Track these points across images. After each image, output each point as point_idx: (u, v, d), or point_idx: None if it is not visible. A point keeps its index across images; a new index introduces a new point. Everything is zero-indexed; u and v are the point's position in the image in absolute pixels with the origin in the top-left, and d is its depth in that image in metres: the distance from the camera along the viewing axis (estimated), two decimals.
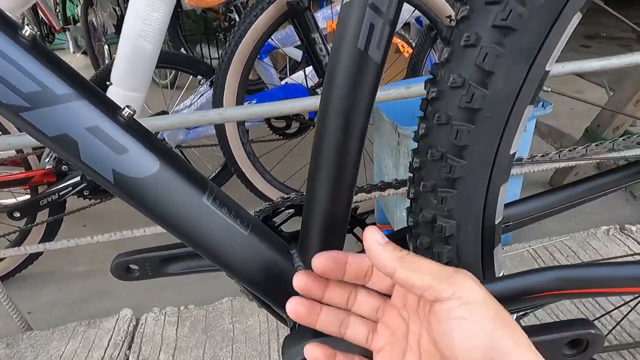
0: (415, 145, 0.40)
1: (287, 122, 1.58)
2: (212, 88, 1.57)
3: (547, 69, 0.35)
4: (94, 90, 0.33)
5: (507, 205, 0.50)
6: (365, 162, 1.61)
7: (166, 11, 1.09)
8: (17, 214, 1.20)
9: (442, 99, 0.36)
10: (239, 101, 1.30)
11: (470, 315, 0.28)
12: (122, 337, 1.01)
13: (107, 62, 3.31)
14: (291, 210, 0.48)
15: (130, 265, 0.53)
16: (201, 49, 2.83)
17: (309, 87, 1.42)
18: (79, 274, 1.48)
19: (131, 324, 1.05)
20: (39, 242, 1.36)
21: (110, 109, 0.33)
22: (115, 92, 1.16)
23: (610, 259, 1.10)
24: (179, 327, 1.04)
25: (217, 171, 1.76)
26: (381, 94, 1.00)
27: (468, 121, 0.35)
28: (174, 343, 0.99)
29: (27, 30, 0.30)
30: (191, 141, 1.72)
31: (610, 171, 0.54)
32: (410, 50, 1.32)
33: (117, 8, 3.24)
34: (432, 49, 1.75)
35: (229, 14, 1.52)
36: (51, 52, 0.32)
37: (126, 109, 0.34)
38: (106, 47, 3.36)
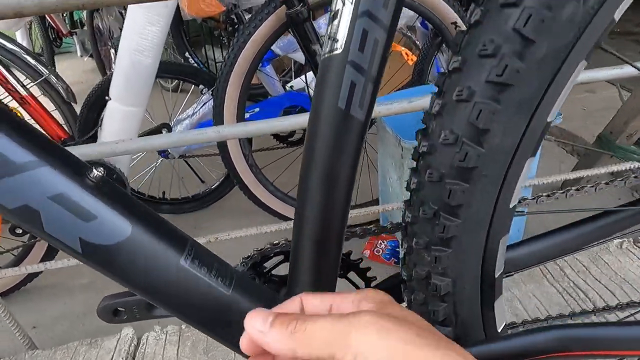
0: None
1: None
2: (213, 97, 1.55)
3: (548, 120, 0.32)
4: (60, 153, 0.31)
5: (509, 248, 0.47)
6: (369, 170, 1.58)
7: (164, 25, 1.07)
8: (19, 230, 1.20)
9: (433, 154, 0.33)
10: (240, 112, 1.28)
11: None
12: (122, 358, 1.00)
13: (112, 66, 3.31)
14: (280, 257, 0.45)
15: (118, 308, 0.51)
16: (205, 52, 2.82)
17: (311, 97, 1.39)
18: (82, 287, 1.48)
19: (132, 344, 1.05)
20: (42, 259, 1.36)
21: (77, 172, 0.31)
22: (114, 108, 1.15)
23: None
24: (180, 347, 1.03)
25: (220, 180, 1.75)
26: (383, 108, 0.97)
27: (462, 180, 0.32)
28: None
29: None
30: (195, 150, 1.71)
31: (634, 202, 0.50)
32: (415, 58, 1.29)
33: (123, 12, 3.24)
34: (438, 53, 1.71)
35: (230, 22, 1.50)
36: (13, 116, 0.30)
37: (94, 170, 0.32)
38: (112, 51, 3.36)
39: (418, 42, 2.01)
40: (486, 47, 0.28)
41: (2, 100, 1.15)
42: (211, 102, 1.55)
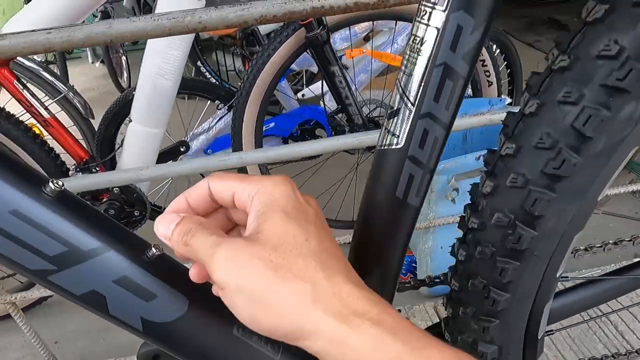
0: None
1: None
2: (230, 112, 1.56)
3: (599, 199, 0.33)
4: (123, 235, 0.32)
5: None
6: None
7: (185, 49, 1.08)
8: None
9: (484, 231, 0.33)
10: (259, 130, 1.29)
11: (232, 307, 0.28)
12: None
13: (124, 73, 3.34)
14: None
15: (157, 354, 0.52)
16: (217, 59, 2.82)
17: (328, 113, 1.40)
18: None
19: None
20: None
21: (139, 253, 0.32)
22: (135, 130, 1.17)
23: None
24: None
25: None
26: None
27: (514, 259, 0.32)
28: None
29: (51, 186, 0.29)
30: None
31: None
32: None
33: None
34: None
35: (246, 39, 1.51)
36: (79, 202, 0.31)
37: (153, 249, 0.32)
38: (124, 57, 3.38)
39: None
40: (543, 140, 0.28)
41: (27, 124, 1.17)
42: (227, 117, 1.57)
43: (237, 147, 1.26)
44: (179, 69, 1.11)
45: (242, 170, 1.34)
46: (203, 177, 0.33)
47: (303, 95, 1.73)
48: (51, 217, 0.29)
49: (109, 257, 0.30)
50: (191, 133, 1.61)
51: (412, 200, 0.29)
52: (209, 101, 1.62)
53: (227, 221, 0.33)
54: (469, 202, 0.35)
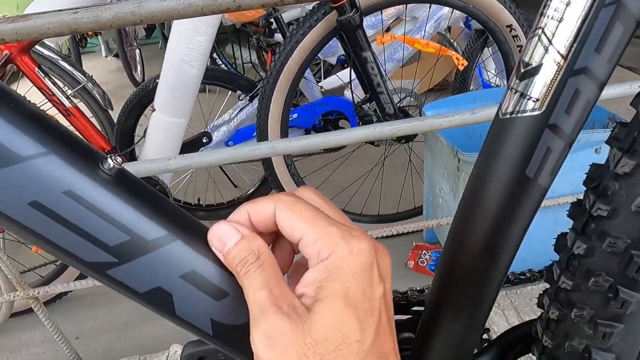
0: None
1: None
2: (251, 103, 1.52)
3: None
4: (187, 223, 0.27)
5: None
6: (413, 179, 1.53)
7: (211, 34, 1.03)
8: None
9: (613, 220, 0.28)
10: (285, 120, 1.24)
11: None
12: None
13: (138, 67, 3.31)
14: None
15: (202, 356, 0.47)
16: (233, 51, 2.78)
17: (356, 103, 1.34)
18: (122, 297, 1.45)
19: None
20: None
21: (205, 243, 0.27)
22: (159, 119, 1.12)
23: None
24: None
25: (256, 186, 1.72)
26: (445, 120, 0.92)
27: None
28: None
29: (109, 164, 0.24)
30: None
31: None
32: (465, 63, 1.23)
33: None
34: (481, 56, 1.64)
35: (269, 27, 1.46)
36: (139, 183, 0.26)
37: None
38: (137, 51, 3.36)
39: (453, 41, 1.94)
40: None
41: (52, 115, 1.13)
42: (248, 108, 1.52)
43: (263, 137, 1.21)
44: (204, 55, 1.06)
45: (266, 160, 1.30)
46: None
47: (321, 87, 1.68)
48: (110, 199, 0.24)
49: (175, 248, 0.26)
50: (212, 125, 1.57)
51: (543, 181, 0.24)
52: (230, 92, 1.57)
53: (290, 248, 0.29)
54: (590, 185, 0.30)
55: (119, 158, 0.25)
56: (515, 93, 0.23)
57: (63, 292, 1.41)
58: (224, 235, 0.26)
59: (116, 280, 0.25)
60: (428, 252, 1.43)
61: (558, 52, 0.21)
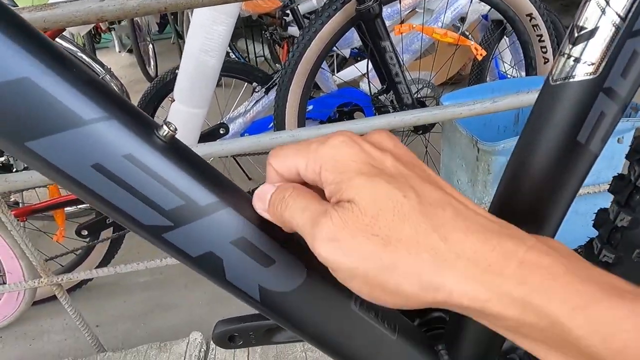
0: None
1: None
2: (266, 95, 1.52)
3: None
4: (235, 191, 0.28)
5: None
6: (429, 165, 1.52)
7: (230, 24, 1.04)
8: (85, 232, 1.21)
9: None
10: (302, 111, 1.25)
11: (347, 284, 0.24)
12: None
13: (152, 62, 3.33)
14: None
15: (234, 334, 0.48)
16: (246, 45, 2.79)
17: (372, 94, 1.34)
18: (140, 285, 1.49)
19: (202, 349, 1.04)
20: (103, 258, 1.37)
21: (253, 211, 0.28)
22: (178, 110, 1.13)
23: None
24: (250, 354, 1.01)
25: None
26: (465, 109, 0.92)
27: None
28: None
29: (165, 130, 0.25)
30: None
31: None
32: (484, 53, 1.22)
33: None
34: (498, 47, 1.63)
35: (284, 18, 1.46)
36: (190, 151, 0.27)
37: None
38: (151, 46, 3.38)
39: (469, 34, 1.92)
40: None
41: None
42: (264, 100, 1.53)
43: (280, 128, 1.22)
44: (223, 45, 1.07)
45: None
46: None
47: (335, 80, 1.68)
48: (166, 164, 0.24)
49: (225, 214, 0.26)
50: (227, 117, 1.58)
51: (595, 147, 0.24)
52: (246, 84, 1.58)
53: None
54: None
55: (173, 125, 0.25)
56: (568, 58, 0.23)
57: (83, 281, 1.43)
58: (262, 194, 0.27)
59: (171, 244, 0.25)
60: None
61: (616, 13, 0.21)
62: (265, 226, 0.28)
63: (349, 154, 0.24)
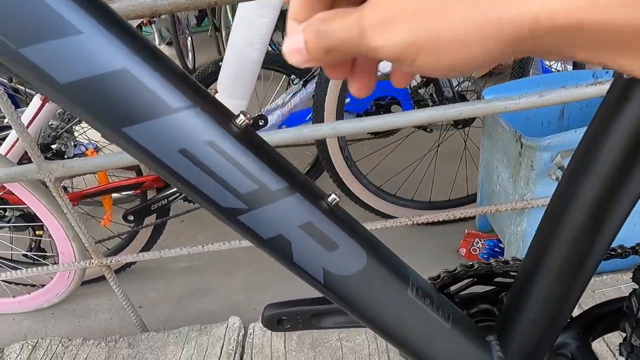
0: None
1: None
2: (304, 88, 1.54)
3: None
4: (302, 178, 0.29)
5: None
6: (467, 166, 1.50)
7: (272, 17, 1.06)
8: (131, 217, 1.26)
9: None
10: (340, 105, 1.26)
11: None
12: (233, 347, 1.03)
13: (190, 54, 3.41)
14: (472, 280, 0.42)
15: (282, 317, 0.50)
16: (282, 37, 2.81)
17: (411, 87, 1.33)
18: (180, 270, 1.55)
19: (240, 333, 1.07)
20: (146, 243, 1.43)
21: (318, 198, 0.29)
22: (221, 100, 1.17)
23: None
24: (286, 340, 1.04)
25: (305, 170, 1.75)
26: (510, 103, 0.90)
27: None
28: (284, 357, 0.99)
29: (241, 119, 0.26)
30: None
31: None
32: None
33: None
34: None
35: None
36: (261, 139, 0.28)
37: (332, 194, 0.30)
38: (189, 39, 3.46)
39: None
40: None
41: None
42: (302, 92, 1.54)
43: (319, 120, 1.23)
44: (265, 38, 1.09)
45: (321, 143, 1.32)
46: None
47: (383, 80, 1.67)
48: (242, 151, 0.26)
49: (295, 199, 0.28)
50: (265, 109, 1.60)
51: None
52: (284, 76, 1.60)
53: None
54: None
55: (248, 114, 0.27)
56: None
57: (127, 264, 1.50)
58: (294, 44, 0.23)
59: (245, 226, 0.27)
60: (481, 240, 1.41)
61: None
62: (330, 212, 0.29)
63: None
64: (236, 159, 0.26)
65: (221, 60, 1.18)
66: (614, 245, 0.51)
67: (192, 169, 0.25)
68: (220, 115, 0.26)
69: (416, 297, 0.32)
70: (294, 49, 0.23)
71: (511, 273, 0.40)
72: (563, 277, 0.32)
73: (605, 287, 1.09)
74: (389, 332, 0.32)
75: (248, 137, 0.27)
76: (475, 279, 0.42)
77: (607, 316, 0.40)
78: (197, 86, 0.26)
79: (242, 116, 0.26)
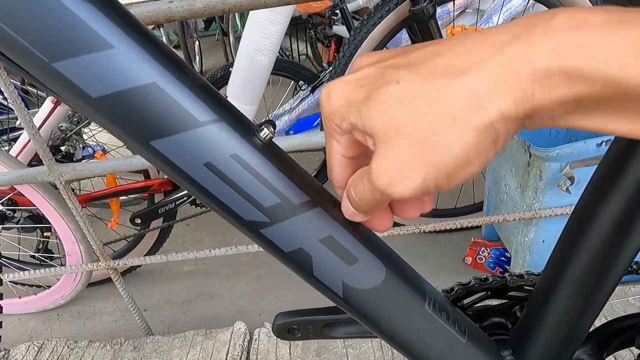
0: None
1: None
2: (312, 93, 1.54)
3: None
4: (323, 191, 0.29)
5: None
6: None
7: (284, 24, 1.06)
8: (138, 220, 1.27)
9: None
10: None
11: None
12: (238, 352, 1.03)
13: (197, 57, 3.43)
14: (485, 293, 0.42)
15: (293, 326, 0.50)
16: (290, 44, 2.82)
17: None
18: (185, 274, 1.55)
19: (245, 339, 1.07)
20: (152, 246, 1.44)
21: (339, 211, 0.29)
22: None
23: None
24: (292, 346, 1.04)
25: (317, 170, 1.75)
26: None
27: None
28: None
29: (265, 133, 0.27)
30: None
31: None
32: None
33: None
34: None
35: (333, 17, 1.47)
36: (284, 153, 0.28)
37: None
38: (197, 42, 3.48)
39: None
40: None
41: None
42: (310, 98, 1.55)
43: None
44: (276, 45, 1.09)
45: None
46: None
47: None
48: (266, 165, 0.26)
49: (315, 213, 0.28)
50: (273, 114, 1.61)
51: None
52: (292, 82, 1.61)
53: None
54: None
55: (272, 127, 0.27)
56: None
57: (133, 266, 1.51)
58: (347, 212, 0.27)
59: (267, 239, 0.27)
60: (487, 249, 1.40)
61: None
62: (350, 226, 0.29)
63: (336, 101, 0.23)
64: (260, 173, 0.26)
65: (230, 65, 1.19)
66: None
67: (216, 182, 0.25)
68: (245, 128, 0.26)
69: (433, 311, 0.32)
70: (350, 215, 0.27)
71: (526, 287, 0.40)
72: (583, 292, 0.31)
73: (613, 299, 1.08)
74: (405, 346, 0.32)
75: (271, 151, 0.27)
76: (489, 293, 0.42)
77: (622, 332, 0.40)
78: (223, 100, 0.26)
79: (265, 129, 0.27)
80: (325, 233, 0.28)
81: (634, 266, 0.39)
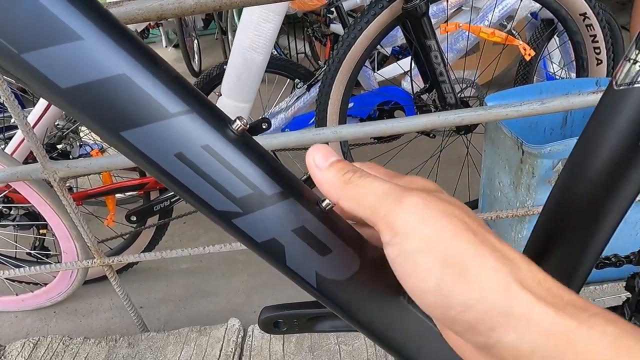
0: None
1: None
2: (308, 91, 1.55)
3: None
4: (297, 183, 0.30)
5: None
6: (470, 173, 1.50)
7: (277, 22, 1.07)
8: (134, 218, 1.27)
9: None
10: (344, 108, 1.26)
11: (412, 266, 0.22)
12: (232, 349, 1.03)
13: (196, 56, 3.44)
14: None
15: (278, 320, 0.50)
16: (288, 42, 2.82)
17: (414, 93, 1.33)
18: (182, 272, 1.56)
19: (239, 335, 1.08)
20: (148, 243, 1.44)
21: (312, 202, 0.29)
22: (225, 104, 1.18)
23: None
24: (285, 343, 1.04)
25: (308, 174, 1.75)
26: (512, 110, 0.90)
27: None
28: None
29: (237, 124, 0.27)
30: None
31: None
32: (533, 53, 1.19)
33: None
34: (547, 47, 1.57)
35: (328, 15, 1.47)
36: (256, 144, 0.29)
37: (327, 200, 0.30)
38: (196, 41, 3.49)
39: (517, 33, 1.87)
40: None
41: None
42: (306, 97, 1.55)
43: (322, 124, 1.24)
44: (270, 42, 1.10)
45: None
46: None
47: (386, 86, 1.68)
48: (237, 156, 0.27)
49: (288, 204, 0.28)
50: (269, 112, 1.61)
51: None
52: (288, 79, 1.61)
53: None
54: None
55: (244, 119, 0.27)
56: (634, 64, 0.23)
57: (129, 264, 1.51)
58: (324, 152, 0.27)
59: (239, 229, 0.27)
60: None
61: None
62: (323, 218, 0.29)
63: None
64: (231, 163, 0.26)
65: (226, 63, 1.19)
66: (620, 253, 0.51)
67: (187, 173, 0.26)
68: (217, 120, 0.27)
69: (409, 302, 0.32)
70: (318, 163, 0.27)
71: None
72: (559, 273, 0.32)
73: (605, 295, 1.08)
74: (380, 337, 0.33)
75: (244, 142, 0.27)
76: None
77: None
78: (195, 91, 0.27)
79: (238, 121, 0.27)
80: (297, 224, 0.28)
81: (613, 259, 0.39)
